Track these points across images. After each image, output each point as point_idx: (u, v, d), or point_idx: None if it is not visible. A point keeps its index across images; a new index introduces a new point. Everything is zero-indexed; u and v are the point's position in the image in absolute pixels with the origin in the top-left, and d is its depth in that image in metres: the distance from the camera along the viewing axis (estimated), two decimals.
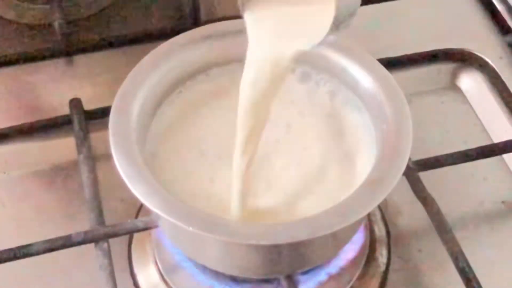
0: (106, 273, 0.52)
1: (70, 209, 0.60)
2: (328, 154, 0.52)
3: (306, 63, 0.55)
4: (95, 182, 0.57)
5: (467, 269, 0.53)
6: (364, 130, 0.52)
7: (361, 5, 0.73)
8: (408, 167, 0.50)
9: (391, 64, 0.65)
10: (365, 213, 0.47)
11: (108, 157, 0.48)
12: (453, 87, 0.70)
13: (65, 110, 0.63)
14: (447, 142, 0.64)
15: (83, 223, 0.55)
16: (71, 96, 0.63)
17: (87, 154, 0.58)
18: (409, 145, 0.49)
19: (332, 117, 0.54)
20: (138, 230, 0.54)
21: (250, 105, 0.47)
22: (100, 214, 0.55)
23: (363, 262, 0.56)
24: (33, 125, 0.63)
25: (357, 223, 0.51)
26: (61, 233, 0.54)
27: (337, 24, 0.44)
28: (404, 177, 0.54)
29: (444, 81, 0.70)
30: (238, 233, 0.45)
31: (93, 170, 0.57)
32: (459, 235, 0.55)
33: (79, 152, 0.59)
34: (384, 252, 0.57)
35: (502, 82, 0.68)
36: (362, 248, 0.56)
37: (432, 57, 0.69)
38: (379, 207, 0.59)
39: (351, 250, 0.55)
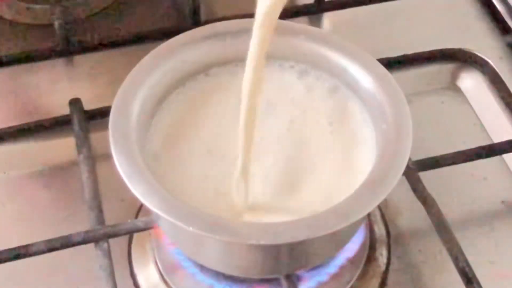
0: (106, 273, 0.52)
1: (70, 209, 0.60)
2: (329, 154, 0.52)
3: (306, 62, 0.55)
4: (95, 182, 0.57)
5: (467, 269, 0.53)
6: (364, 130, 0.52)
7: (361, 5, 0.74)
8: (408, 167, 0.50)
9: (391, 64, 0.65)
10: (365, 213, 0.47)
11: (108, 157, 0.48)
12: (453, 87, 0.70)
13: (65, 110, 0.63)
14: (447, 142, 0.64)
15: (83, 223, 0.55)
16: (71, 96, 0.63)
17: (87, 154, 0.58)
18: (409, 145, 0.49)
19: (332, 117, 0.54)
20: (138, 230, 0.54)
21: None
22: (100, 214, 0.55)
23: (363, 262, 0.56)
24: (33, 125, 0.63)
25: (357, 223, 0.51)
26: (61, 233, 0.54)
27: None
28: (404, 177, 0.54)
29: (444, 81, 0.70)
30: (238, 233, 0.45)
31: (93, 170, 0.57)
32: (459, 235, 0.55)
33: (79, 152, 0.59)
34: (384, 252, 0.57)
35: (502, 82, 0.68)
36: (362, 248, 0.56)
37: (432, 57, 0.69)
38: (379, 207, 0.59)
39: (351, 250, 0.55)
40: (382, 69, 0.53)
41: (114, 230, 0.54)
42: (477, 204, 0.61)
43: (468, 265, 0.53)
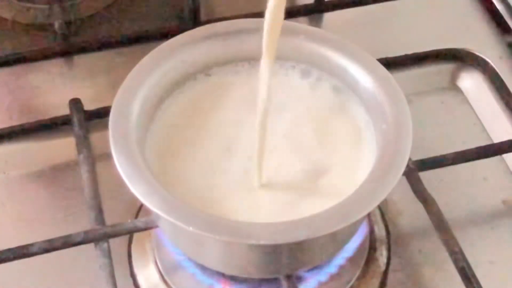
0: (106, 273, 0.52)
1: (70, 209, 0.60)
2: (329, 153, 0.52)
3: (306, 62, 0.55)
4: (95, 182, 0.57)
5: (467, 269, 0.53)
6: (364, 129, 0.52)
7: (361, 5, 0.74)
8: (408, 167, 0.50)
9: (391, 64, 0.65)
10: (365, 213, 0.47)
11: (108, 157, 0.48)
12: (453, 87, 0.70)
13: (65, 110, 0.63)
14: (447, 142, 0.64)
15: (83, 223, 0.55)
16: (71, 96, 0.63)
17: (87, 154, 0.58)
18: (409, 145, 0.49)
19: (333, 116, 0.54)
20: (138, 230, 0.54)
21: None
22: (100, 214, 0.55)
23: (363, 262, 0.56)
24: (33, 125, 0.63)
25: (357, 223, 0.51)
26: (61, 233, 0.54)
27: None
28: (404, 177, 0.54)
29: (444, 81, 0.70)
30: (238, 233, 0.45)
31: (93, 170, 0.57)
32: (459, 235, 0.55)
33: (79, 152, 0.59)
34: (384, 252, 0.57)
35: (502, 82, 0.68)
36: (362, 248, 0.56)
37: (432, 57, 0.69)
38: (379, 207, 0.59)
39: (351, 250, 0.55)
40: (382, 69, 0.53)
41: (114, 230, 0.54)
42: (477, 204, 0.61)
43: (468, 265, 0.53)
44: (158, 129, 0.52)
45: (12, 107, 0.66)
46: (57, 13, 0.69)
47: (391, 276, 0.57)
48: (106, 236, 0.53)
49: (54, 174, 0.63)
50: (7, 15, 0.73)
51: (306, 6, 0.73)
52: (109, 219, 0.55)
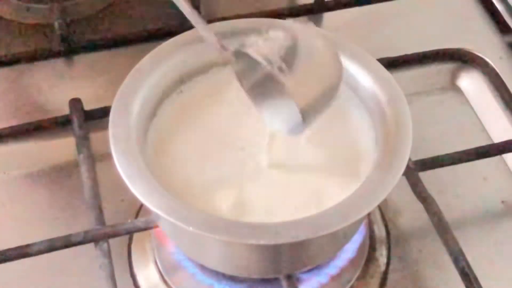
0: (106, 273, 0.52)
1: (70, 209, 0.60)
2: (330, 153, 0.52)
3: None
4: (95, 182, 0.57)
5: (467, 269, 0.53)
6: (364, 129, 0.52)
7: (361, 5, 0.74)
8: (408, 167, 0.50)
9: (391, 64, 0.65)
10: (365, 213, 0.47)
11: (108, 157, 0.48)
12: (453, 87, 0.70)
13: (65, 110, 0.63)
14: (447, 142, 0.64)
15: (83, 223, 0.55)
16: (71, 96, 0.63)
17: (87, 154, 0.58)
18: (409, 145, 0.49)
19: (333, 116, 0.54)
20: (138, 230, 0.54)
21: None
22: (100, 214, 0.55)
23: (363, 262, 0.56)
24: (33, 125, 0.63)
25: (357, 223, 0.51)
26: (61, 233, 0.54)
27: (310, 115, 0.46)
28: (404, 177, 0.54)
29: (444, 81, 0.70)
30: (238, 233, 0.45)
31: (93, 170, 0.57)
32: (459, 235, 0.55)
33: (79, 152, 0.59)
34: (384, 252, 0.57)
35: (502, 82, 0.68)
36: (362, 248, 0.56)
37: (432, 57, 0.69)
38: (379, 207, 0.59)
39: (351, 250, 0.55)
40: (382, 69, 0.53)
41: (114, 230, 0.54)
42: (477, 204, 0.61)
43: (468, 265, 0.53)
44: (158, 129, 0.52)
45: (12, 107, 0.66)
46: (57, 13, 0.69)
47: (391, 276, 0.57)
48: (106, 236, 0.53)
49: (54, 174, 0.63)
50: (7, 15, 0.73)
51: (306, 6, 0.73)
52: (109, 219, 0.55)
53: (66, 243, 0.53)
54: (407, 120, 0.50)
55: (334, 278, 0.54)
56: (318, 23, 0.73)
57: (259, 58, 0.44)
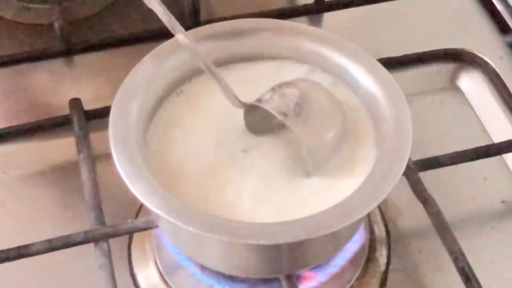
0: (106, 273, 0.52)
1: (70, 209, 0.60)
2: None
3: (306, 62, 0.55)
4: (95, 182, 0.57)
5: (467, 269, 0.53)
6: (364, 130, 0.52)
7: (361, 5, 0.74)
8: (408, 167, 0.50)
9: (391, 64, 0.65)
10: (365, 213, 0.47)
11: (108, 157, 0.48)
12: (453, 87, 0.70)
13: (65, 110, 0.63)
14: (447, 142, 0.64)
15: (83, 223, 0.55)
16: (71, 96, 0.63)
17: (87, 154, 0.58)
18: (409, 145, 0.49)
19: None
20: (138, 230, 0.54)
21: None
22: (100, 214, 0.55)
23: (363, 262, 0.56)
24: (33, 125, 0.63)
25: (357, 223, 0.51)
26: (61, 233, 0.54)
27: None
28: (404, 177, 0.54)
29: (444, 81, 0.70)
30: (238, 233, 0.45)
31: (93, 170, 0.57)
32: (459, 235, 0.55)
33: (79, 152, 0.59)
34: (384, 252, 0.57)
35: (502, 82, 0.68)
36: (362, 248, 0.56)
37: (432, 57, 0.69)
38: (379, 207, 0.59)
39: (351, 250, 0.55)
40: (382, 69, 0.53)
41: (114, 230, 0.54)
42: (477, 204, 0.61)
43: (468, 265, 0.53)
44: (158, 129, 0.52)
45: (12, 107, 0.66)
46: (57, 13, 0.69)
47: (391, 276, 0.57)
48: (106, 236, 0.53)
49: (54, 174, 0.63)
50: (7, 15, 0.73)
51: (306, 6, 0.73)
52: (109, 219, 0.55)
53: (66, 243, 0.53)
54: (407, 120, 0.50)
55: (334, 278, 0.54)
56: (318, 23, 0.73)
57: (276, 113, 0.49)
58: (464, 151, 0.59)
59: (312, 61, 0.55)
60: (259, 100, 0.50)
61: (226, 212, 0.48)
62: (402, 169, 0.48)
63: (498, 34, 0.72)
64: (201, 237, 0.48)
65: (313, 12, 0.73)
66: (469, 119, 0.67)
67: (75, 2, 0.73)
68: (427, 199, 0.56)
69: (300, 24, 0.59)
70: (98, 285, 0.52)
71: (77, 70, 0.69)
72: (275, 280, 0.52)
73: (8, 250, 0.53)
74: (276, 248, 0.48)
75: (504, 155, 0.63)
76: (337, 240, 0.51)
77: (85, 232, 0.53)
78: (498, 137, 0.65)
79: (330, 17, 0.73)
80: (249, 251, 0.48)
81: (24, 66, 0.69)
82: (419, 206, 0.56)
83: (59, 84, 0.68)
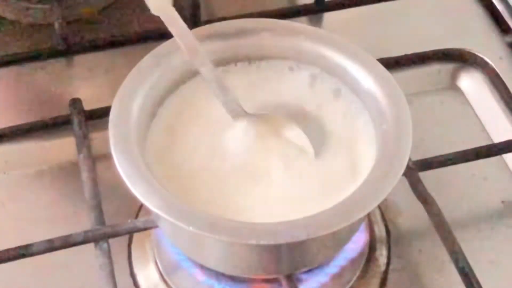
0: (106, 273, 0.52)
1: (70, 209, 0.60)
2: (330, 152, 0.52)
3: (306, 63, 0.55)
4: (95, 182, 0.57)
5: (467, 269, 0.53)
6: (364, 130, 0.52)
7: (361, 5, 0.74)
8: (408, 167, 0.50)
9: (391, 64, 0.65)
10: (365, 213, 0.47)
11: (108, 157, 0.48)
12: (453, 87, 0.70)
13: (65, 110, 0.63)
14: (447, 142, 0.64)
15: (83, 223, 0.55)
16: (71, 96, 0.63)
17: (87, 154, 0.58)
18: (409, 145, 0.49)
19: (334, 116, 0.54)
20: (138, 230, 0.54)
21: None
22: (100, 214, 0.55)
23: (363, 262, 0.56)
24: (33, 125, 0.63)
25: (357, 223, 0.51)
26: (61, 233, 0.54)
27: None
28: (404, 177, 0.54)
29: (444, 81, 0.70)
30: (238, 233, 0.45)
31: (93, 170, 0.57)
32: (459, 235, 0.55)
33: (79, 152, 0.59)
34: (384, 252, 0.57)
35: (502, 82, 0.68)
36: (362, 248, 0.56)
37: (432, 57, 0.69)
38: (379, 207, 0.59)
39: (351, 250, 0.55)
40: (382, 69, 0.53)
41: (114, 230, 0.54)
42: (477, 204, 0.61)
43: (468, 265, 0.53)
44: (158, 129, 0.52)
45: (12, 107, 0.66)
46: (57, 13, 0.69)
47: (391, 276, 0.57)
48: (106, 236, 0.53)
49: (54, 174, 0.63)
50: (7, 15, 0.73)
51: (306, 6, 0.73)
52: (109, 219, 0.55)
53: (66, 243, 0.53)
54: (407, 120, 0.50)
55: (334, 278, 0.54)
56: (318, 23, 0.73)
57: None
58: (464, 151, 0.59)
59: (312, 61, 0.55)
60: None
61: (227, 212, 0.49)
62: (402, 169, 0.48)
63: (498, 34, 0.72)
64: (201, 237, 0.48)
65: (313, 12, 0.73)
66: (469, 119, 0.67)
67: (75, 2, 0.73)
68: (427, 199, 0.56)
69: (300, 24, 0.59)
70: (98, 285, 0.52)
71: (77, 70, 0.69)
72: (275, 280, 0.52)
73: (8, 250, 0.53)
74: (276, 248, 0.48)
75: (504, 155, 0.63)
76: (337, 240, 0.51)
77: (85, 232, 0.53)
78: (498, 137, 0.65)
79: (330, 17, 0.73)
80: (249, 251, 0.48)
81: (24, 66, 0.69)
82: (419, 206, 0.56)
83: (59, 84, 0.68)
